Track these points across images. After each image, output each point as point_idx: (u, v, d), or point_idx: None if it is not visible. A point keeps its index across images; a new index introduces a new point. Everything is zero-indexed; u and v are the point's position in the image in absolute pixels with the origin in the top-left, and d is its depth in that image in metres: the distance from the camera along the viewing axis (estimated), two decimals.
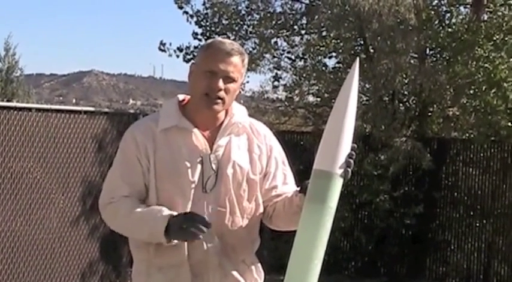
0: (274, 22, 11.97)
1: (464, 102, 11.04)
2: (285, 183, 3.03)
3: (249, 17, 12.14)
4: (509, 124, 10.43)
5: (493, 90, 10.47)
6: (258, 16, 12.07)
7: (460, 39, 10.70)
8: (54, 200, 8.12)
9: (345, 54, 11.51)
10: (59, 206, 8.19)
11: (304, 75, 11.89)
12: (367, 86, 11.05)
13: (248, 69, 2.95)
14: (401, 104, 11.43)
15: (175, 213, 2.77)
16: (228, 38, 10.50)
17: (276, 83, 12.12)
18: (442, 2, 11.62)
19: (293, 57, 12.18)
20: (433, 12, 11.24)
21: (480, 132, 10.68)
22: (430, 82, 10.60)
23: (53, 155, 8.08)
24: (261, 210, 3.00)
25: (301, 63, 12.14)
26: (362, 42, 11.43)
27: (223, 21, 12.17)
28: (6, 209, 7.65)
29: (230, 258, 2.92)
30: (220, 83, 2.87)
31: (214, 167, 2.89)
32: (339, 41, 11.73)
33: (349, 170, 2.68)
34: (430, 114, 11.41)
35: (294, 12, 12.14)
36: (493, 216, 10.38)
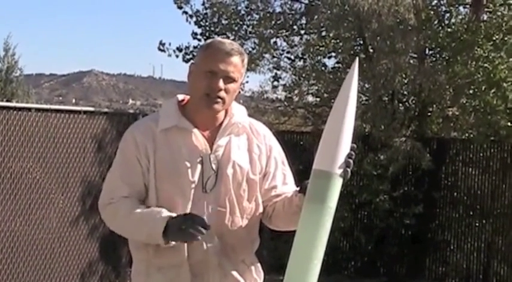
0: (273, 22, 11.96)
1: (464, 102, 11.04)
2: (285, 183, 3.03)
3: (249, 17, 12.13)
4: (509, 124, 10.43)
5: (492, 90, 10.47)
6: (257, 16, 12.07)
7: (459, 39, 10.71)
8: (53, 200, 8.12)
9: (344, 54, 11.51)
10: (59, 206, 8.19)
11: (303, 75, 11.89)
12: (366, 86, 11.05)
13: (247, 69, 2.96)
14: (400, 104, 11.43)
15: (174, 215, 2.77)
16: (228, 38, 10.49)
17: (275, 83, 12.13)
18: (442, 2, 11.62)
19: (292, 57, 12.18)
20: (432, 12, 11.24)
21: (480, 132, 10.68)
22: (430, 82, 10.61)
23: (53, 155, 8.08)
24: (261, 210, 3.00)
25: (300, 63, 12.13)
26: (361, 42, 11.43)
27: (223, 21, 12.17)
28: (6, 209, 7.65)
29: (230, 258, 2.92)
30: (221, 83, 2.87)
31: (214, 167, 2.89)
32: (338, 41, 11.73)
33: (349, 170, 2.68)
34: (429, 114, 11.41)
35: (293, 12, 12.14)
36: (493, 216, 10.38)
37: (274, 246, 9.09)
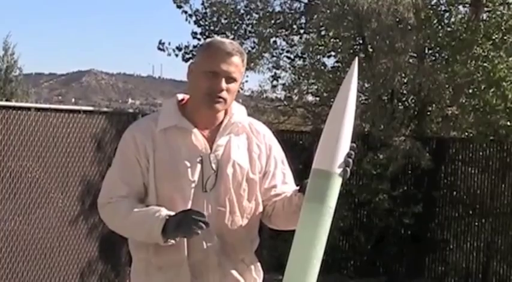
0: (273, 21, 11.96)
1: (463, 101, 11.04)
2: (284, 183, 3.03)
3: (248, 17, 12.12)
4: (508, 123, 10.43)
5: (492, 90, 10.47)
6: (257, 15, 12.06)
7: (459, 38, 10.71)
8: (53, 200, 8.12)
9: (343, 53, 11.50)
10: (58, 206, 8.19)
11: (303, 74, 11.88)
12: (366, 85, 11.04)
13: (247, 69, 2.96)
14: (400, 103, 11.42)
15: (172, 213, 2.77)
16: (227, 37, 10.49)
17: (275, 82, 12.12)
18: (441, 1, 11.61)
19: (292, 56, 12.17)
20: (432, 12, 11.23)
21: (479, 131, 10.69)
22: (429, 81, 10.60)
23: (52, 155, 8.08)
24: (261, 209, 3.01)
25: (300, 62, 12.13)
26: (361, 42, 11.42)
27: (222, 21, 12.16)
28: (5, 208, 7.65)
29: (229, 258, 2.92)
30: (223, 84, 2.87)
31: (214, 166, 2.89)
32: (337, 40, 11.73)
33: (348, 169, 2.68)
34: (429, 113, 11.41)
35: (292, 11, 12.14)
36: (492, 216, 10.38)
37: (274, 246, 9.08)
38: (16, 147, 7.69)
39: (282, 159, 3.07)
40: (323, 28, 11.61)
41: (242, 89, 11.74)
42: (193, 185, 2.86)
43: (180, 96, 3.04)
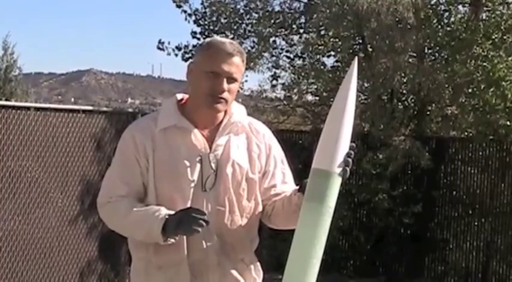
0: (272, 21, 11.95)
1: (463, 101, 11.04)
2: (284, 182, 3.03)
3: (248, 16, 12.12)
4: (508, 123, 10.43)
5: (491, 89, 10.47)
6: (256, 15, 12.05)
7: (458, 38, 10.71)
8: (52, 199, 8.12)
9: (343, 53, 11.50)
10: (58, 205, 8.19)
11: (302, 74, 11.88)
12: (365, 84, 11.04)
13: (246, 68, 2.96)
14: (399, 103, 11.42)
15: (172, 213, 2.77)
16: (227, 36, 10.49)
17: (274, 82, 12.12)
18: (441, 1, 11.61)
19: (292, 56, 12.16)
20: (431, 11, 11.23)
21: (479, 131, 10.69)
22: (429, 81, 10.60)
23: (52, 154, 8.07)
24: (260, 209, 3.01)
25: (299, 62, 12.13)
26: (361, 41, 11.42)
27: (222, 20, 12.15)
28: (5, 208, 7.64)
29: (229, 257, 2.92)
30: (225, 85, 2.87)
31: (213, 166, 2.89)
32: (337, 39, 11.73)
33: (348, 169, 2.67)
34: (428, 113, 11.41)
35: (292, 11, 12.13)
36: (492, 215, 10.38)
37: (274, 245, 9.08)
38: (16, 147, 7.69)
39: (281, 158, 3.07)
40: (323, 28, 11.61)
41: (242, 89, 11.74)
42: (192, 184, 2.86)
43: (179, 95, 3.04)
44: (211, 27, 12.18)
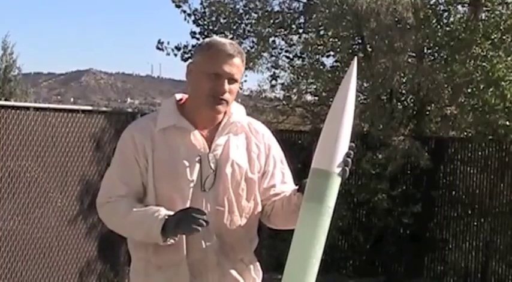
0: (272, 21, 11.95)
1: (462, 101, 11.05)
2: (283, 182, 3.03)
3: (247, 16, 12.11)
4: (507, 123, 10.43)
5: (490, 89, 10.47)
6: (255, 15, 12.05)
7: (457, 38, 10.71)
8: (52, 199, 8.12)
9: (342, 53, 11.50)
10: (57, 205, 8.19)
11: (302, 74, 11.88)
12: (365, 84, 11.04)
13: (246, 68, 2.96)
14: (399, 103, 11.42)
15: (172, 213, 2.77)
16: (226, 37, 10.49)
17: (273, 82, 12.11)
18: (440, 1, 11.61)
19: (291, 56, 12.16)
20: (430, 11, 11.24)
21: (478, 131, 10.69)
22: (428, 81, 10.60)
23: (51, 154, 8.07)
24: (260, 209, 3.00)
25: (299, 62, 12.12)
26: (360, 41, 11.42)
27: (221, 20, 12.15)
28: (4, 208, 7.64)
29: (228, 257, 2.92)
30: (226, 86, 2.88)
31: (212, 166, 2.89)
32: (336, 39, 11.73)
33: (347, 169, 2.68)
34: (428, 113, 11.41)
35: (291, 11, 12.13)
36: (491, 215, 10.38)
37: (273, 245, 9.08)
38: (15, 147, 7.69)
39: (281, 158, 3.07)
40: (322, 28, 11.61)
41: (241, 89, 11.74)
42: (192, 184, 2.86)
43: (178, 95, 3.05)
44: (211, 27, 12.18)
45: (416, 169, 10.57)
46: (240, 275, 2.95)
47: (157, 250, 2.86)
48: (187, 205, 2.84)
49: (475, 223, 10.56)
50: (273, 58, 11.98)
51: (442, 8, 11.59)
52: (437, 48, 11.39)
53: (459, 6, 11.70)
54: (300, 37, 12.16)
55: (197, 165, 2.87)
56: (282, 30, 12.10)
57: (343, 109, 2.69)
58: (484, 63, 10.45)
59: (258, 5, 11.95)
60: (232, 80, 2.89)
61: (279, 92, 12.23)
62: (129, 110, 10.55)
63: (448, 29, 11.12)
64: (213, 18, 12.21)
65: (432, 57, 11.62)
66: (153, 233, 2.76)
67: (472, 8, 11.20)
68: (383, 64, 10.54)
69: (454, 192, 10.71)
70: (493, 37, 10.62)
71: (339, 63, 11.92)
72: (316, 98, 12.12)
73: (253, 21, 12.00)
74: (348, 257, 11.11)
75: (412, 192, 10.70)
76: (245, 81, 12.79)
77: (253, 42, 11.87)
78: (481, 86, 10.60)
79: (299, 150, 10.09)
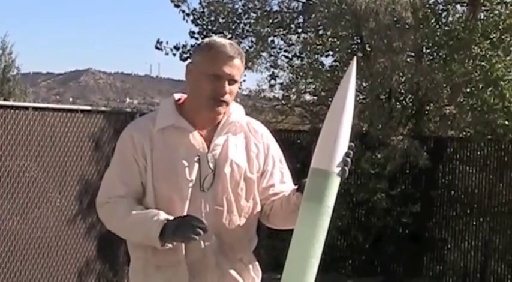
0: (270, 21, 11.94)
1: (461, 100, 11.04)
2: (282, 182, 3.03)
3: (246, 16, 12.11)
4: (506, 122, 10.42)
5: (489, 89, 10.47)
6: (254, 15, 12.05)
7: (456, 37, 10.70)
8: (51, 199, 8.12)
9: (341, 52, 11.50)
10: (56, 205, 8.18)
11: (301, 73, 11.87)
12: (364, 84, 11.04)
13: (245, 68, 2.95)
14: (398, 103, 11.42)
15: (171, 218, 2.77)
16: (225, 36, 10.49)
17: (272, 81, 12.10)
18: (439, 1, 11.62)
19: (290, 55, 12.16)
20: (429, 11, 11.24)
21: (477, 130, 10.68)
22: (427, 80, 10.60)
23: (50, 154, 8.07)
24: (259, 208, 3.00)
25: (298, 61, 12.12)
26: (359, 41, 11.42)
27: (220, 20, 12.14)
28: (3, 207, 7.64)
29: (227, 257, 2.92)
30: (227, 87, 2.87)
31: (211, 165, 2.88)
32: (335, 39, 11.73)
33: (347, 168, 2.68)
34: (427, 112, 11.41)
35: (290, 10, 12.12)
36: (490, 215, 10.38)
37: (272, 245, 9.08)
38: (14, 147, 7.69)
39: (280, 158, 3.07)
40: (321, 27, 11.61)
41: (240, 88, 11.70)
42: (190, 184, 2.86)
43: (177, 95, 3.04)
44: (210, 27, 12.18)
45: (415, 169, 10.57)
46: (239, 275, 2.95)
47: (156, 250, 2.85)
48: (186, 205, 2.84)
49: (474, 223, 10.55)
50: (272, 58, 11.98)
51: (440, 7, 11.60)
52: (436, 47, 11.39)
53: (458, 6, 11.70)
54: (298, 37, 12.15)
55: (196, 165, 2.87)
56: (281, 29, 12.10)
57: (342, 109, 2.68)
58: (483, 63, 10.44)
59: (257, 5, 11.95)
60: (232, 81, 2.89)
61: (278, 91, 12.24)
62: (128, 109, 10.53)
63: (446, 28, 11.12)
64: (212, 18, 12.21)
65: (431, 57, 11.61)
66: (151, 236, 2.76)
67: (471, 8, 11.19)
68: (382, 64, 10.54)
69: (453, 192, 10.70)
70: (491, 37, 10.61)
71: (338, 63, 11.92)
72: (315, 97, 12.12)
73: (252, 21, 12.00)
74: (347, 256, 11.10)
75: (411, 191, 10.70)
76: (244, 80, 12.80)
77: (252, 41, 11.87)
78: (480, 86, 10.60)
79: (298, 150, 10.09)
